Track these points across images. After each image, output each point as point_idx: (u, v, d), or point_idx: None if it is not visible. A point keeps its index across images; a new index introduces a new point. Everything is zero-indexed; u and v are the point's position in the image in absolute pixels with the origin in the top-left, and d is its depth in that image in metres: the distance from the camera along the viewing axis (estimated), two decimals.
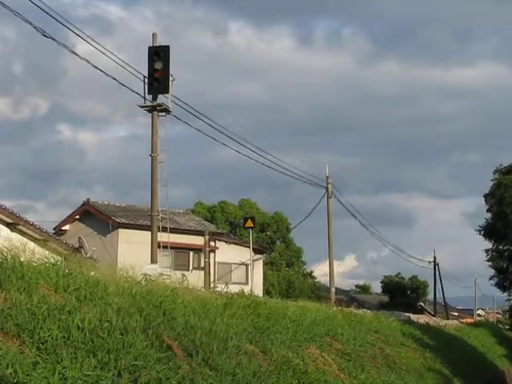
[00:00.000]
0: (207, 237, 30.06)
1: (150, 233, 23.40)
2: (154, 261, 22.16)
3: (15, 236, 18.08)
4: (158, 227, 23.24)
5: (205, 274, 27.73)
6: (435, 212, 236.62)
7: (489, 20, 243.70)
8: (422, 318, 43.17)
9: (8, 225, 23.51)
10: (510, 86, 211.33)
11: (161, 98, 22.91)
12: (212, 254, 33.17)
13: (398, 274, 70.06)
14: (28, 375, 6.38)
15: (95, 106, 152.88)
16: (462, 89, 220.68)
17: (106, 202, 37.28)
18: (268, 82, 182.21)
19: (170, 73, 22.41)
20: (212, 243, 33.81)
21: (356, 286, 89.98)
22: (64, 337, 7.40)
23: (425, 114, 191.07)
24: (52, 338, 7.23)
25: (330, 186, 40.27)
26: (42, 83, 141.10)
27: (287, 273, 56.29)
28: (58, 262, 9.54)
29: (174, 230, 26.80)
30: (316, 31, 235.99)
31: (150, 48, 22.66)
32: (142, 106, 23.01)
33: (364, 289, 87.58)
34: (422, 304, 69.78)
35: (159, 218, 23.35)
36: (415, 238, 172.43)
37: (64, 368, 6.82)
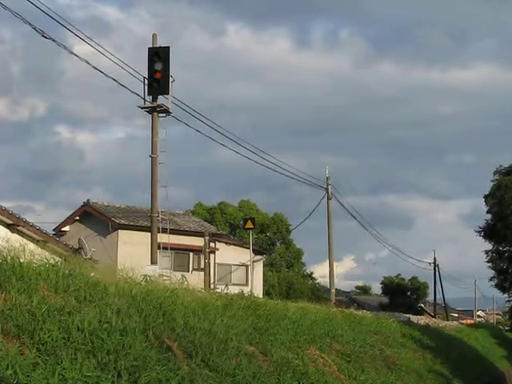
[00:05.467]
0: (207, 238, 30.03)
1: (149, 234, 23.38)
2: (153, 262, 22.15)
3: (15, 237, 18.07)
4: (158, 228, 23.23)
5: (205, 275, 27.70)
6: (433, 213, 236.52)
7: (486, 21, 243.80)
8: (421, 319, 43.18)
9: (8, 226, 23.51)
10: (507, 87, 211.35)
11: (160, 99, 22.90)
12: (212, 255, 33.13)
13: (398, 275, 70.06)
14: (28, 376, 6.39)
15: (93, 107, 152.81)
16: (460, 90, 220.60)
17: (106, 203, 37.27)
18: (266, 83, 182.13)
19: (170, 74, 22.40)
20: (212, 244, 33.77)
21: (356, 287, 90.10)
22: (64, 338, 7.40)
23: (423, 115, 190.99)
24: (52, 339, 7.23)
25: (329, 187, 40.27)
26: (40, 84, 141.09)
27: (287, 274, 56.24)
28: (58, 263, 9.54)
29: (173, 231, 26.77)
30: (314, 33, 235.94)
31: (149, 49, 22.62)
32: (142, 107, 22.98)
33: (364, 290, 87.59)
34: (421, 305, 69.75)
35: (159, 219, 23.34)
36: (413, 239, 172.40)
37: (64, 369, 6.82)
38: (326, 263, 41.56)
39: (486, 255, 37.17)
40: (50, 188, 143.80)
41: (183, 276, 13.80)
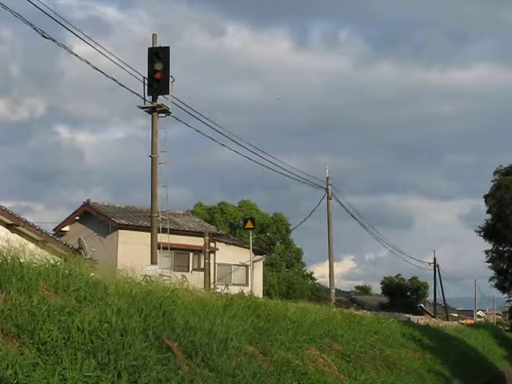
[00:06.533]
0: (207, 238, 30.04)
1: (149, 234, 23.39)
2: (154, 262, 22.16)
3: (15, 237, 18.06)
4: (158, 228, 23.24)
5: (205, 275, 27.71)
6: (433, 213, 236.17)
7: (485, 21, 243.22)
8: (421, 319, 43.25)
9: (8, 226, 23.51)
10: (506, 87, 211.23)
11: (160, 99, 22.91)
12: (212, 255, 33.15)
13: (398, 275, 70.14)
14: (28, 376, 6.38)
15: (93, 107, 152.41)
16: (459, 90, 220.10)
17: (106, 203, 37.31)
18: (266, 83, 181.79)
19: (170, 74, 22.41)
20: (212, 244, 33.78)
21: (356, 287, 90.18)
22: (64, 338, 7.40)
23: (422, 116, 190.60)
24: (52, 339, 7.23)
25: (329, 187, 40.29)
26: (40, 84, 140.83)
27: (287, 274, 56.30)
28: (58, 263, 9.54)
29: (173, 231, 26.79)
30: (313, 33, 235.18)
31: (149, 49, 22.63)
32: (142, 107, 22.99)
33: (364, 290, 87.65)
34: (421, 305, 69.79)
35: (159, 219, 23.34)
36: (413, 239, 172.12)
37: (64, 369, 6.82)
38: (326, 263, 41.62)
39: (485, 255, 37.23)
40: (50, 188, 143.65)
41: (183, 276, 13.81)
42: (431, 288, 65.69)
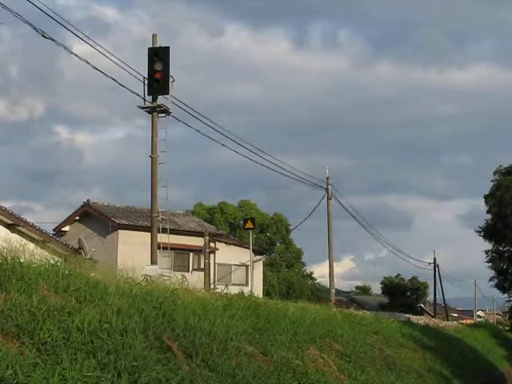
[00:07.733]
0: (207, 238, 30.04)
1: (149, 234, 23.39)
2: (153, 262, 22.15)
3: (15, 237, 18.05)
4: (158, 228, 23.23)
5: (205, 275, 27.70)
6: (433, 213, 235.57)
7: (485, 21, 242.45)
8: (421, 319, 43.19)
9: (8, 226, 23.51)
10: (506, 87, 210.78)
11: (160, 99, 22.91)
12: (212, 255, 33.14)
13: (398, 275, 70.10)
14: (28, 376, 6.38)
15: (93, 107, 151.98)
16: (458, 90, 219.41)
17: (106, 203, 37.31)
18: (266, 83, 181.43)
19: (170, 74, 22.41)
20: (212, 244, 33.78)
21: (356, 288, 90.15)
22: (64, 338, 7.40)
23: (422, 116, 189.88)
24: (52, 339, 7.23)
25: (329, 187, 40.29)
26: (39, 84, 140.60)
27: (287, 274, 56.30)
28: (58, 263, 9.54)
29: (173, 231, 26.79)
30: (312, 33, 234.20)
31: (149, 49, 22.62)
32: (142, 107, 22.99)
33: (364, 290, 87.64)
34: (421, 305, 69.77)
35: (159, 219, 23.34)
36: (413, 239, 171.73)
37: (64, 369, 6.82)
38: (326, 263, 41.64)
39: (485, 255, 37.18)
40: (50, 188, 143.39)
41: (183, 276, 13.82)
42: (431, 288, 65.72)
